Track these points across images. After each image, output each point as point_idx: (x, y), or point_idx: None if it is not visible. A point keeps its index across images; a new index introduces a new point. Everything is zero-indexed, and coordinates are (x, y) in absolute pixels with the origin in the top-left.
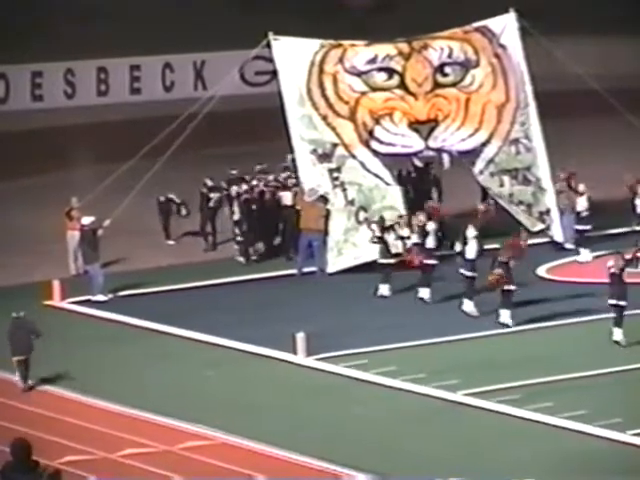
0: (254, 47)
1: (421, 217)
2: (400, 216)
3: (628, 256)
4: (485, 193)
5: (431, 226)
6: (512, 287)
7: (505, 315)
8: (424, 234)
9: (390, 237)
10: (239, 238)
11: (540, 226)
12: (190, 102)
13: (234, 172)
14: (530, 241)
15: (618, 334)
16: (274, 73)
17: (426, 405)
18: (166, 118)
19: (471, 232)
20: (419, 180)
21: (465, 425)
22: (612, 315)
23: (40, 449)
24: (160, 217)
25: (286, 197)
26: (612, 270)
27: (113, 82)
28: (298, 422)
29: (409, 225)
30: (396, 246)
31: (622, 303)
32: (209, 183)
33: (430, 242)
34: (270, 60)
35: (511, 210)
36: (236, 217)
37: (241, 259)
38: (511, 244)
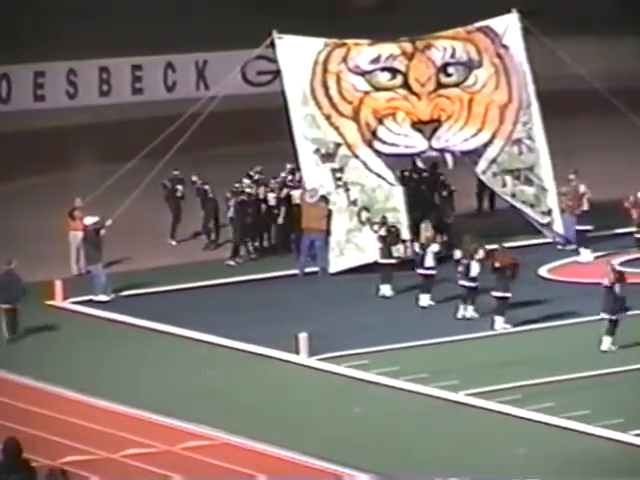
0: (256, 47)
1: (429, 233)
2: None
3: (617, 262)
4: (480, 194)
5: (434, 248)
6: (507, 294)
7: (499, 321)
8: (425, 248)
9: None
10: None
11: (547, 219)
12: (192, 102)
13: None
14: (532, 241)
15: (606, 344)
16: (276, 73)
17: (428, 405)
18: (168, 118)
19: (480, 254)
20: (425, 181)
21: (466, 425)
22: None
23: (42, 449)
24: (170, 211)
25: (296, 196)
26: (604, 282)
27: (115, 82)
28: (300, 422)
29: (415, 233)
30: (398, 249)
31: (613, 317)
32: (198, 180)
33: (429, 261)
34: (272, 60)
35: (518, 206)
36: (230, 215)
37: (231, 262)
38: (505, 258)
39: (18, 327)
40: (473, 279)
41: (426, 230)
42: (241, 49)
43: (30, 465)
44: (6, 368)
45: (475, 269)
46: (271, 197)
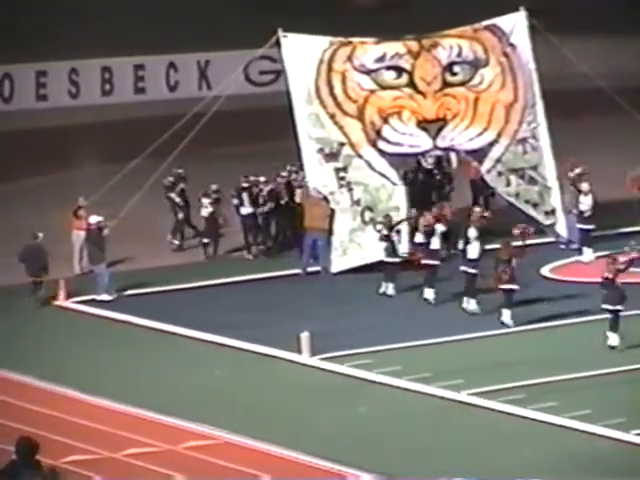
0: (258, 46)
1: (429, 217)
2: (409, 217)
3: (622, 259)
4: (476, 194)
5: (440, 228)
6: (515, 286)
7: (506, 315)
8: (430, 235)
9: (396, 237)
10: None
11: (550, 220)
12: (194, 102)
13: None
14: (535, 241)
15: (614, 339)
16: (278, 73)
17: (431, 405)
18: (170, 118)
19: (472, 233)
20: (429, 177)
21: (469, 425)
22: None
23: (44, 448)
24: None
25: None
26: (605, 274)
27: (117, 82)
28: (302, 422)
29: (415, 225)
30: (402, 247)
31: (617, 307)
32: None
33: (435, 243)
34: (274, 60)
35: (521, 206)
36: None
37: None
38: (509, 244)
39: (44, 296)
40: (471, 261)
41: (426, 219)
42: (243, 49)
43: (41, 466)
44: (8, 367)
45: (473, 250)
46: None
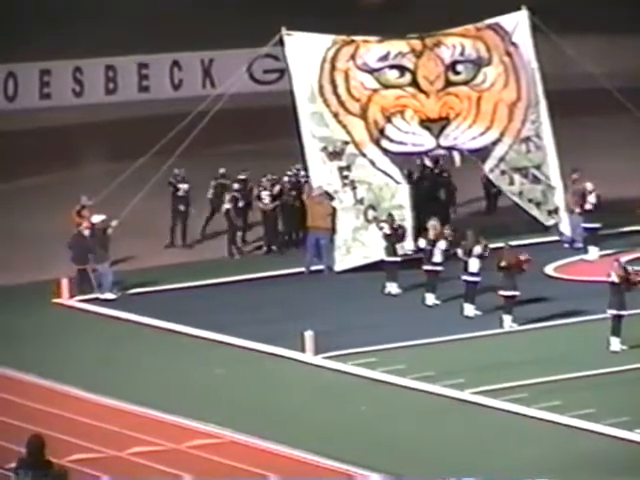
0: (262, 45)
1: (438, 231)
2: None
3: (625, 259)
4: (488, 192)
5: (442, 245)
6: (515, 293)
7: (507, 320)
8: (433, 245)
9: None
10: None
11: (552, 221)
12: (198, 100)
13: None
14: (538, 240)
15: (616, 344)
16: (282, 71)
17: (434, 404)
18: (174, 116)
19: (477, 250)
20: (435, 179)
21: (473, 424)
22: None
23: (49, 447)
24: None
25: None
26: (611, 279)
27: (121, 80)
28: (306, 420)
29: (423, 231)
30: (402, 247)
31: (621, 313)
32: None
33: (437, 257)
34: (278, 58)
35: (524, 206)
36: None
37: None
38: (513, 258)
39: (90, 285)
40: (473, 274)
41: (434, 227)
42: (247, 47)
43: (51, 466)
44: (12, 366)
45: (474, 265)
46: (265, 195)
